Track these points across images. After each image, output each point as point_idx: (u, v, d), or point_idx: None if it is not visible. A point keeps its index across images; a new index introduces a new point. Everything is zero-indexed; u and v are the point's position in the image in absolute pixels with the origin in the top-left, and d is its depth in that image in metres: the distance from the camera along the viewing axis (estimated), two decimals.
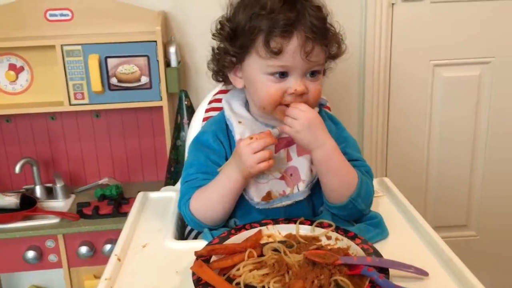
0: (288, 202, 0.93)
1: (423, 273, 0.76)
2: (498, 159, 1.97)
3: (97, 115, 1.80)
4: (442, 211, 2.01)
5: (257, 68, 0.91)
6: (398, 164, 1.95)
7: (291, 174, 0.95)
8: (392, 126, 1.91)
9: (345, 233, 0.86)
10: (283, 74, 0.89)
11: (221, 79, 1.02)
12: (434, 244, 0.85)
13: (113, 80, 1.62)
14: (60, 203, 1.72)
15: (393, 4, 1.78)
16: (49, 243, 1.59)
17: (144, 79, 1.63)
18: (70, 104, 1.63)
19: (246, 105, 1.01)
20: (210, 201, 0.92)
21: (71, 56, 1.59)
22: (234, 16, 0.93)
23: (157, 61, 1.61)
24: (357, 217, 0.94)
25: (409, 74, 1.87)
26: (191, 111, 1.61)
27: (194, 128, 1.20)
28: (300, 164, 0.95)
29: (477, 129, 1.94)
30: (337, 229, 0.87)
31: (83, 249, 1.59)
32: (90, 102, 1.63)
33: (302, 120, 0.88)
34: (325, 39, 0.90)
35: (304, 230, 0.89)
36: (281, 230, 0.90)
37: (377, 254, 0.79)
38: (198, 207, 0.93)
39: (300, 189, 0.94)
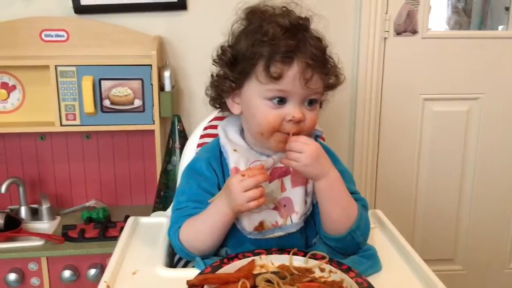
0: (281, 233, 0.93)
1: None
2: (485, 194, 1.99)
3: (88, 136, 1.78)
4: (429, 244, 2.01)
5: (256, 94, 0.91)
6: (386, 197, 1.95)
7: (284, 205, 0.94)
8: (382, 158, 1.92)
9: (339, 265, 0.86)
10: (281, 101, 0.90)
11: (218, 106, 1.03)
12: (427, 279, 0.85)
13: (106, 102, 1.61)
14: (45, 225, 1.69)
15: (385, 38, 1.81)
16: (32, 266, 1.55)
17: (137, 102, 1.63)
18: (61, 125, 1.62)
19: (242, 133, 1.01)
20: (200, 232, 0.91)
21: (65, 76, 1.58)
22: (236, 42, 0.95)
23: (151, 84, 1.61)
24: (353, 250, 0.93)
25: (400, 107, 1.89)
26: (183, 135, 1.61)
27: (188, 154, 1.20)
28: (294, 195, 0.95)
29: (465, 163, 1.97)
30: (331, 261, 0.87)
31: (67, 273, 1.55)
32: (82, 123, 1.62)
33: (308, 153, 0.88)
34: (324, 68, 0.92)
35: (298, 261, 0.88)
36: (274, 261, 0.89)
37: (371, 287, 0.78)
38: (188, 238, 0.92)
39: (293, 221, 0.94)
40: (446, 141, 1.93)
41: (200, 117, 1.29)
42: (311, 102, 0.92)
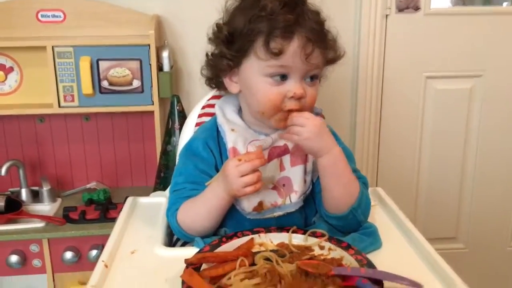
0: (280, 213, 0.92)
1: (417, 285, 0.74)
2: (487, 172, 1.98)
3: (87, 118, 1.77)
4: (432, 223, 2.01)
5: (255, 71, 0.89)
6: (388, 175, 1.94)
7: (283, 185, 0.93)
8: (384, 136, 1.91)
9: (339, 243, 0.85)
10: (282, 77, 0.88)
11: (214, 85, 1.01)
12: (428, 256, 0.84)
13: (104, 83, 1.60)
14: (46, 207, 1.69)
15: (387, 15, 1.78)
16: (33, 248, 1.55)
17: (136, 83, 1.61)
18: (60, 107, 1.60)
19: (239, 112, 0.99)
20: (197, 215, 0.91)
21: (62, 57, 1.56)
22: (232, 19, 0.92)
23: (150, 65, 1.59)
24: (354, 228, 0.92)
25: (402, 86, 1.87)
26: (182, 116, 1.59)
27: (186, 133, 1.18)
28: (293, 174, 0.94)
29: (468, 141, 1.95)
30: (330, 239, 0.86)
31: (68, 255, 1.55)
32: (80, 105, 1.61)
33: (310, 127, 0.86)
34: (324, 42, 0.90)
35: (297, 239, 0.88)
36: (273, 239, 0.88)
37: (371, 265, 0.78)
38: (185, 220, 0.91)
39: (292, 200, 0.93)
40: (449, 119, 1.91)
41: (200, 97, 1.27)
42: (312, 78, 0.90)
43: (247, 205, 0.91)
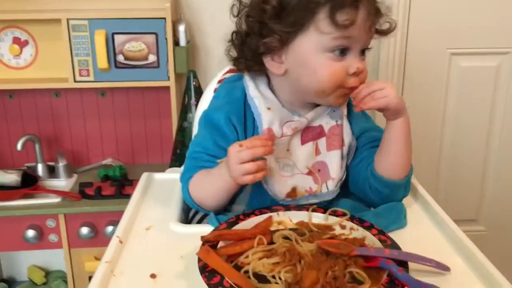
0: (315, 200, 0.88)
1: (444, 268, 0.71)
2: (511, 154, 1.91)
3: (103, 94, 1.75)
4: (452, 204, 1.96)
5: (314, 47, 0.81)
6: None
7: (319, 170, 0.89)
8: None
9: (361, 222, 0.81)
10: (342, 52, 0.82)
11: (244, 67, 0.90)
12: (455, 238, 0.80)
13: (120, 58, 1.57)
14: (62, 182, 1.68)
15: None
16: (50, 223, 1.55)
17: (152, 58, 1.58)
18: (75, 81, 1.59)
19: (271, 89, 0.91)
20: (205, 192, 0.87)
21: (77, 31, 1.54)
22: None
23: (166, 39, 1.56)
24: (397, 200, 0.89)
25: (425, 62, 1.80)
26: (199, 92, 1.56)
27: (202, 108, 1.15)
28: (329, 159, 0.89)
29: (492, 122, 1.89)
30: (352, 218, 0.83)
31: (84, 230, 1.55)
32: (96, 79, 1.59)
33: (389, 87, 0.81)
34: (380, 11, 0.84)
35: (317, 218, 0.84)
36: (292, 217, 0.85)
37: (395, 246, 0.74)
38: (195, 194, 0.88)
39: (329, 188, 0.89)
40: (474, 98, 1.85)
41: (216, 73, 1.24)
42: (363, 52, 0.84)
43: (280, 191, 0.87)
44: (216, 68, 1.65)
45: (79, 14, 1.54)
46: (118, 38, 1.56)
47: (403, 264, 0.69)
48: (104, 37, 1.53)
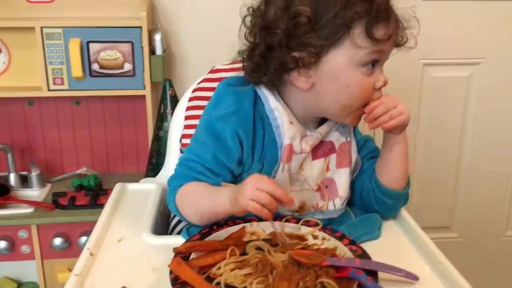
0: (321, 216, 0.88)
1: (413, 277, 0.72)
2: (483, 161, 1.96)
3: (77, 102, 1.73)
4: (426, 211, 1.99)
5: (349, 61, 0.79)
6: None
7: (326, 186, 0.89)
8: None
9: (333, 232, 0.82)
10: (373, 65, 0.81)
11: (258, 80, 0.85)
12: (425, 247, 0.82)
13: (95, 66, 1.56)
14: (35, 192, 1.65)
15: None
16: (22, 234, 1.52)
17: (127, 66, 1.57)
18: (49, 90, 1.57)
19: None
20: (193, 206, 0.83)
21: (51, 39, 1.52)
22: (316, 1, 0.77)
23: (142, 48, 1.55)
24: (397, 209, 0.93)
25: (398, 72, 1.83)
26: (175, 101, 1.56)
27: (178, 117, 1.15)
28: (338, 177, 0.90)
29: (464, 130, 1.93)
30: (324, 229, 0.83)
31: (58, 241, 1.52)
32: (70, 88, 1.57)
33: (403, 103, 0.83)
34: (401, 26, 0.84)
35: (290, 228, 0.85)
36: (265, 228, 0.85)
37: (366, 255, 0.75)
38: (181, 204, 0.85)
39: (336, 206, 0.89)
40: (446, 107, 1.89)
41: (193, 82, 1.24)
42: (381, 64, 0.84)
43: (287, 206, 0.82)
44: (192, 77, 1.65)
45: (53, 22, 1.53)
46: (93, 47, 1.54)
47: (373, 274, 0.70)
48: (79, 45, 1.51)
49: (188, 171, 0.85)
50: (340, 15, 0.76)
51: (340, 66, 0.80)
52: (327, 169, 0.89)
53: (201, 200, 0.82)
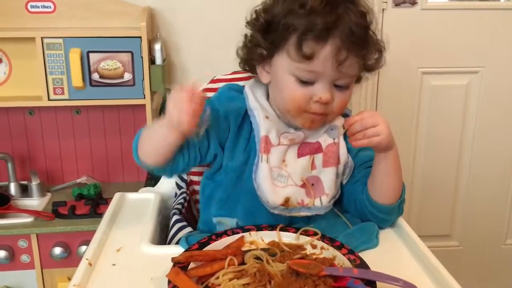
0: (308, 213, 0.89)
1: (411, 287, 0.72)
2: (483, 169, 1.96)
3: (77, 112, 1.74)
4: (426, 220, 1.99)
5: (285, 68, 0.85)
6: None
7: (312, 184, 0.90)
8: None
9: (331, 242, 0.82)
10: (305, 82, 0.84)
11: (248, 68, 0.95)
12: (423, 256, 0.82)
13: (95, 76, 1.57)
14: (35, 202, 1.66)
15: (383, 9, 1.75)
16: (22, 243, 1.52)
17: (127, 76, 1.58)
18: (49, 99, 1.57)
19: (268, 99, 0.93)
20: (147, 143, 0.86)
21: (52, 49, 1.53)
22: (272, 7, 0.86)
23: (141, 57, 1.56)
24: (391, 222, 0.93)
25: (397, 81, 1.84)
26: None
27: None
28: (324, 176, 0.91)
29: (463, 138, 1.93)
30: (323, 238, 0.84)
31: (57, 250, 1.52)
32: (70, 97, 1.58)
33: (383, 123, 0.83)
34: (362, 49, 0.83)
35: (289, 238, 0.85)
36: (264, 237, 0.85)
37: (364, 265, 0.75)
38: (140, 149, 0.87)
39: (323, 203, 0.90)
40: (445, 116, 1.89)
41: None
42: (341, 85, 0.85)
43: (273, 200, 0.87)
44: None
45: (53, 32, 1.54)
46: (94, 57, 1.55)
47: (371, 283, 0.70)
48: (79, 55, 1.52)
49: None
50: (281, 23, 0.83)
51: (279, 70, 0.86)
52: (313, 167, 0.91)
53: (152, 133, 0.86)
